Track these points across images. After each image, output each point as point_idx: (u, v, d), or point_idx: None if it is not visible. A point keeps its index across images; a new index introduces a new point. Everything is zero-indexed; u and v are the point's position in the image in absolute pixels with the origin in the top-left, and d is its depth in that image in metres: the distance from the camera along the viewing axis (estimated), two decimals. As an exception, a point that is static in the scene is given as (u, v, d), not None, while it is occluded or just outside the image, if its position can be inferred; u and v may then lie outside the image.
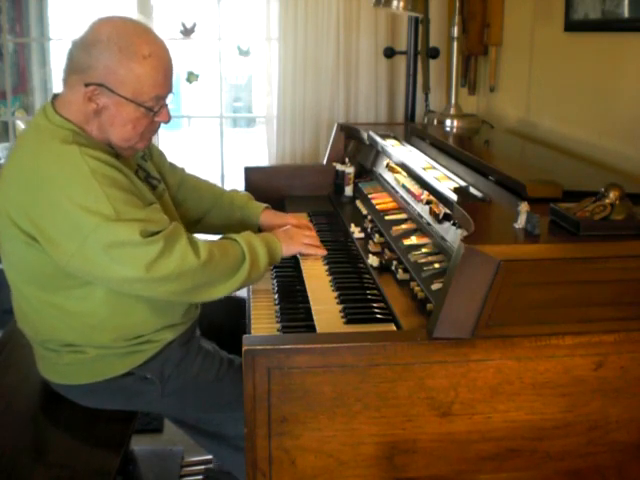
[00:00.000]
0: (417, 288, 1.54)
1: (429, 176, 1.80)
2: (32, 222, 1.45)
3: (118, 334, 1.58)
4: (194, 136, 8.96)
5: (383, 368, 1.22)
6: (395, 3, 2.45)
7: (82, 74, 1.49)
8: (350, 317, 1.50)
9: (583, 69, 2.19)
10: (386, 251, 1.80)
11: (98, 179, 1.43)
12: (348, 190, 2.48)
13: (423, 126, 2.71)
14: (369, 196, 2.24)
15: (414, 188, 1.95)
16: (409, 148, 2.18)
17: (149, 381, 1.63)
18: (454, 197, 1.56)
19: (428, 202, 1.79)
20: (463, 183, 1.68)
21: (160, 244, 1.44)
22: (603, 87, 2.08)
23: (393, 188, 2.16)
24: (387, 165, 2.27)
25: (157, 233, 1.46)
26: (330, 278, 1.73)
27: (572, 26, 2.21)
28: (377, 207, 2.12)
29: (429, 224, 1.75)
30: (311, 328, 1.49)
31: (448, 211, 1.61)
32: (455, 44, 2.64)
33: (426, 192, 1.82)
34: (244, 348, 1.20)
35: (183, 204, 1.93)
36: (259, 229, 1.97)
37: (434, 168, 1.89)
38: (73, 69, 1.51)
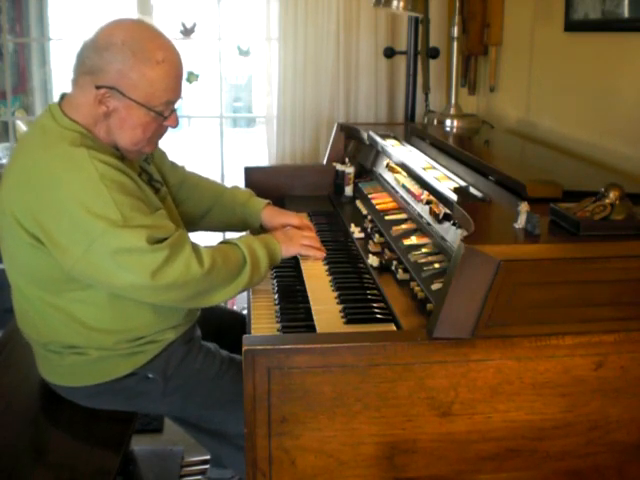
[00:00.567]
0: (417, 288, 1.54)
1: (429, 176, 1.80)
2: (38, 224, 1.44)
3: (120, 336, 1.58)
4: (194, 136, 8.95)
5: (383, 368, 1.22)
6: (395, 3, 2.45)
7: (93, 76, 1.49)
8: (350, 317, 1.50)
9: (583, 69, 2.19)
10: (386, 251, 1.80)
11: (107, 184, 1.43)
12: (348, 190, 2.48)
13: (423, 126, 2.70)
14: (369, 196, 2.24)
15: (414, 188, 1.95)
16: (409, 148, 2.18)
17: (151, 380, 1.64)
18: (454, 197, 1.56)
19: (428, 202, 1.79)
20: (463, 183, 1.68)
21: (166, 252, 1.44)
22: (603, 87, 2.08)
23: (393, 188, 2.16)
24: (387, 165, 2.27)
25: (163, 240, 1.46)
26: (330, 278, 1.73)
27: (572, 26, 2.21)
28: (377, 207, 2.12)
29: (429, 224, 1.75)
30: (311, 328, 1.49)
31: (448, 211, 1.61)
32: (455, 44, 2.64)
33: (426, 192, 1.82)
34: (244, 348, 1.20)
35: (184, 203, 1.93)
36: (260, 226, 1.97)
37: (434, 168, 1.89)
38: (84, 70, 1.51)
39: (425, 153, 2.05)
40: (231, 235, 2.18)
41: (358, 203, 2.31)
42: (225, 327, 1.93)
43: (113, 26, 1.52)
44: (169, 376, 1.64)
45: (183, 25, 3.21)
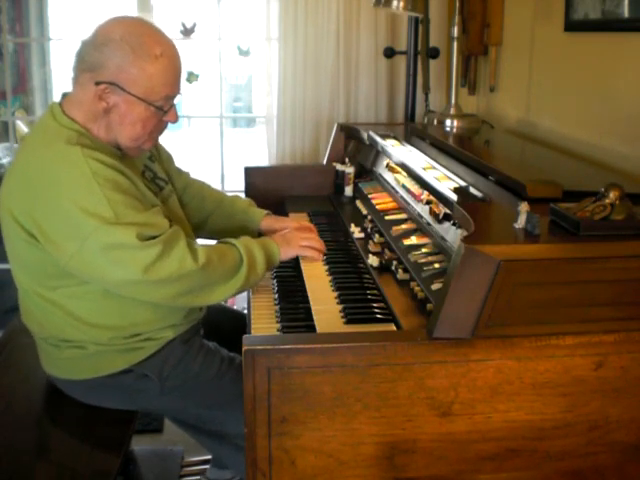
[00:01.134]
0: (417, 288, 1.54)
1: (429, 176, 1.80)
2: (34, 221, 1.47)
3: (116, 332, 1.59)
4: (194, 136, 8.96)
5: (383, 368, 1.22)
6: (395, 3, 2.45)
7: (93, 72, 1.50)
8: (350, 317, 1.50)
9: (583, 69, 2.19)
10: (386, 251, 1.80)
11: (99, 181, 1.44)
12: (348, 190, 2.48)
13: (423, 126, 2.70)
14: (369, 196, 2.24)
15: (414, 188, 1.95)
16: (409, 148, 2.18)
17: (148, 379, 1.64)
18: (454, 197, 1.56)
19: (428, 202, 1.79)
20: (463, 183, 1.68)
21: (158, 248, 1.45)
22: (603, 87, 2.08)
23: (393, 188, 2.16)
24: (387, 165, 2.27)
25: (155, 237, 1.47)
26: (330, 278, 1.73)
27: (572, 26, 2.21)
28: (377, 207, 2.12)
29: (429, 224, 1.75)
30: (311, 328, 1.49)
31: (448, 211, 1.61)
32: (455, 44, 2.64)
33: (426, 192, 1.82)
34: (244, 348, 1.20)
35: (186, 207, 1.94)
36: (259, 234, 1.98)
37: (434, 168, 1.89)
38: (84, 67, 1.52)
39: (425, 153, 2.05)
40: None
41: (358, 203, 2.31)
42: (225, 326, 1.93)
43: (112, 23, 1.54)
44: (166, 376, 1.64)
45: (183, 25, 3.21)
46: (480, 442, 1.28)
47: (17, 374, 1.82)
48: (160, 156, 1.86)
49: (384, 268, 1.72)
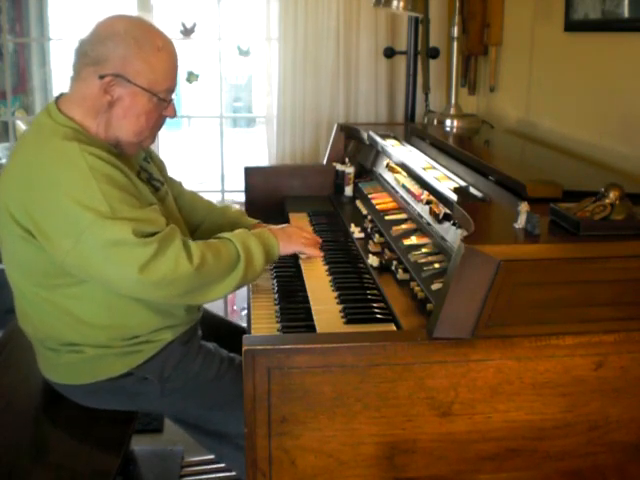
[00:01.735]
0: (417, 288, 1.54)
1: (429, 176, 1.80)
2: (30, 217, 1.46)
3: (115, 333, 1.58)
4: (194, 136, 8.97)
5: (383, 368, 1.22)
6: (395, 3, 2.45)
7: (97, 66, 1.51)
8: (350, 317, 1.50)
9: (583, 69, 2.19)
10: (386, 251, 1.80)
11: (96, 176, 1.44)
12: (348, 190, 2.48)
13: (423, 126, 2.71)
14: (369, 196, 2.24)
15: (414, 188, 1.95)
16: (409, 148, 2.18)
17: (148, 382, 1.63)
18: (454, 197, 1.56)
19: (428, 202, 1.79)
20: (463, 183, 1.68)
21: (154, 245, 1.44)
22: (603, 87, 2.08)
23: (393, 188, 2.16)
24: (387, 165, 2.27)
25: (152, 235, 1.46)
26: (330, 278, 1.73)
27: (572, 26, 2.21)
28: (377, 207, 2.12)
29: (429, 224, 1.75)
30: (311, 328, 1.49)
31: (448, 211, 1.61)
32: (455, 44, 2.64)
33: (426, 192, 1.82)
34: (244, 348, 1.20)
35: None
36: None
37: (434, 168, 1.89)
38: (87, 62, 1.52)
39: (425, 153, 2.05)
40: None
41: (358, 203, 2.31)
42: (225, 329, 1.93)
43: (113, 18, 1.56)
44: (166, 378, 1.64)
45: (183, 25, 3.21)
46: (480, 442, 1.28)
47: (17, 374, 1.82)
48: (153, 159, 1.85)
49: (384, 268, 1.72)
